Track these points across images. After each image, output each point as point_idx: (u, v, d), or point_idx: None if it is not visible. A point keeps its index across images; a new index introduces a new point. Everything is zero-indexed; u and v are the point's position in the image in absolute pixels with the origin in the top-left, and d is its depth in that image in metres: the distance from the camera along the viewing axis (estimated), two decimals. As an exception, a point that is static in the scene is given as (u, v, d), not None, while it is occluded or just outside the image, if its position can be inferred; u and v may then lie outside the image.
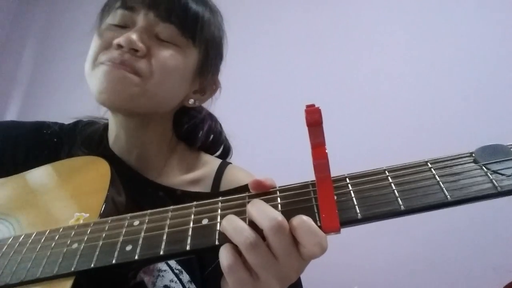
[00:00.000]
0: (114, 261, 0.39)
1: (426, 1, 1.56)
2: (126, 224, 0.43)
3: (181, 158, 0.69)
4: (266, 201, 0.40)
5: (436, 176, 0.39)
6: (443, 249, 1.23)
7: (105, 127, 0.68)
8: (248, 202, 0.40)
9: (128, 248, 0.40)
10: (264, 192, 0.42)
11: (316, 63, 1.66)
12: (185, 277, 0.53)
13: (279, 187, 0.42)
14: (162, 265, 0.53)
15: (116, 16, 0.59)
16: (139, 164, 0.64)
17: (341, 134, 1.37)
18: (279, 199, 0.41)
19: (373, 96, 1.51)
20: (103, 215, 0.47)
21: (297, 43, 1.74)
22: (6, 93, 2.29)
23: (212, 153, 0.73)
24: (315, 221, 0.38)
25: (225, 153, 0.74)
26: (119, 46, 0.56)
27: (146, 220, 0.43)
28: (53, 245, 0.43)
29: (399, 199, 0.38)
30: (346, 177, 0.41)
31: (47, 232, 0.45)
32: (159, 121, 0.65)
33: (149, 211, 0.44)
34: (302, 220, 0.36)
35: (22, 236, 0.45)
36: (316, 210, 0.39)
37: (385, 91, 1.50)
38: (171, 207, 0.43)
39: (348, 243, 1.21)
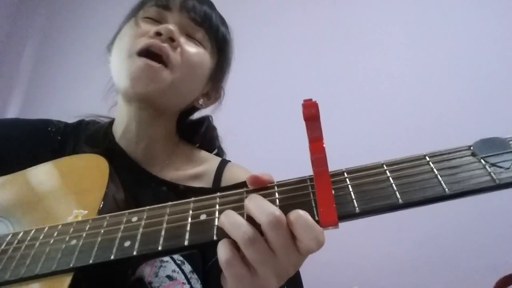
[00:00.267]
0: (112, 257, 0.39)
1: (425, 1, 1.57)
2: (125, 220, 0.43)
3: (182, 154, 0.70)
4: (264, 196, 0.40)
5: (434, 169, 0.38)
6: (443, 249, 1.23)
7: (109, 124, 0.70)
8: (246, 197, 0.40)
9: (127, 244, 0.40)
10: (262, 187, 0.42)
11: (315, 62, 1.66)
12: (187, 267, 0.54)
13: (277, 182, 0.42)
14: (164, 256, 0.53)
15: (151, 11, 0.65)
16: (144, 158, 0.66)
17: (340, 132, 1.37)
18: (277, 194, 0.41)
19: (372, 94, 1.51)
20: (101, 212, 0.47)
21: (296, 42, 1.74)
22: (6, 93, 2.29)
23: (209, 151, 0.74)
24: (313, 216, 0.38)
25: (220, 152, 0.77)
26: (158, 34, 0.60)
27: (145, 216, 0.43)
28: (51, 241, 0.43)
29: (397, 192, 0.38)
30: (344, 171, 0.41)
31: (45, 229, 0.45)
32: (168, 117, 0.68)
33: (147, 207, 0.44)
34: (299, 215, 0.36)
35: (21, 233, 0.45)
36: (314, 205, 0.39)
37: (384, 89, 1.50)
38: (169, 203, 0.43)
39: (348, 243, 1.21)
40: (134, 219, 0.43)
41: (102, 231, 0.42)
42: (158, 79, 0.59)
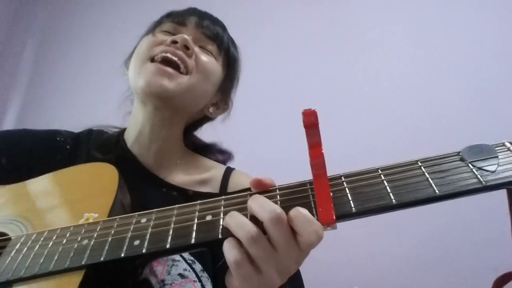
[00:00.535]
0: (122, 255, 0.42)
1: (426, 1, 1.60)
2: (134, 221, 0.45)
3: (190, 161, 0.74)
4: (266, 198, 0.42)
5: (426, 173, 0.41)
6: (443, 249, 1.23)
7: (121, 132, 0.74)
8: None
9: (136, 242, 0.42)
10: (264, 190, 0.44)
11: (315, 64, 1.69)
12: (198, 266, 0.56)
13: (278, 185, 0.45)
14: (176, 256, 0.56)
15: (168, 26, 0.72)
16: (155, 161, 0.70)
17: (339, 133, 1.39)
18: (278, 196, 0.43)
19: (371, 95, 1.53)
20: (111, 215, 0.50)
21: (296, 43, 1.77)
22: (6, 93, 2.28)
23: (216, 159, 0.78)
24: (312, 215, 0.40)
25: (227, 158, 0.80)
26: (174, 42, 0.66)
27: (153, 218, 0.45)
28: (64, 241, 0.45)
29: (391, 194, 0.40)
30: (341, 175, 0.44)
31: (58, 230, 0.47)
32: (179, 122, 0.72)
33: (155, 209, 0.46)
34: (299, 211, 0.39)
35: (35, 234, 0.48)
36: (313, 206, 0.41)
37: (383, 90, 1.52)
38: (177, 205, 0.46)
39: (348, 244, 1.22)
40: (143, 220, 0.45)
41: (113, 231, 0.45)
42: (173, 80, 0.64)
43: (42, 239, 0.47)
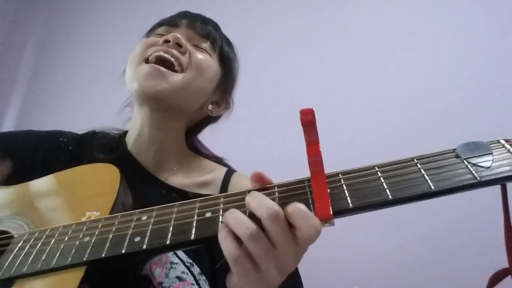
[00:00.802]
0: (123, 251, 0.42)
1: (425, 4, 1.61)
2: (135, 218, 0.46)
3: (191, 162, 0.74)
4: (265, 195, 0.43)
5: (421, 169, 0.42)
6: (443, 249, 1.23)
7: (122, 134, 0.75)
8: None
9: (137, 239, 0.43)
10: (263, 187, 0.45)
11: (313, 64, 1.70)
12: (196, 269, 0.56)
13: (276, 183, 0.46)
14: (174, 258, 0.56)
15: (160, 30, 0.73)
16: (155, 163, 0.70)
17: (338, 133, 1.39)
18: (277, 193, 0.44)
19: (365, 98, 1.54)
20: (112, 214, 0.50)
21: (296, 44, 1.78)
22: (6, 93, 2.28)
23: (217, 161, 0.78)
24: (310, 211, 0.41)
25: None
26: (166, 42, 0.66)
27: (154, 215, 0.46)
28: (66, 238, 0.46)
29: (387, 190, 0.41)
30: (338, 173, 0.45)
31: (60, 228, 0.48)
32: (178, 123, 0.72)
33: (156, 207, 0.47)
34: (296, 206, 0.39)
35: (37, 232, 0.48)
36: (311, 202, 0.42)
37: (377, 93, 1.53)
38: (177, 203, 0.47)
39: (348, 243, 1.21)
40: (144, 217, 0.46)
41: (114, 228, 0.45)
42: (166, 79, 0.64)
43: (44, 236, 0.47)
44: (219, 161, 0.79)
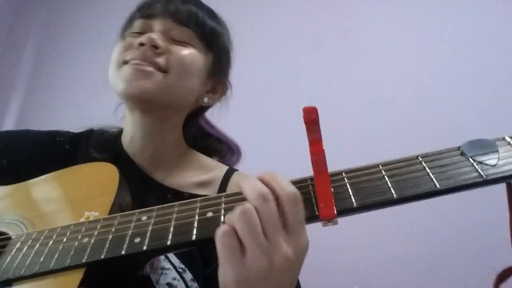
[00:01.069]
0: (123, 252, 0.41)
1: (426, 3, 1.60)
2: (135, 219, 0.45)
3: (190, 162, 0.72)
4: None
5: (426, 168, 0.41)
6: (443, 249, 1.23)
7: (119, 133, 0.72)
8: None
9: (137, 240, 0.42)
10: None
11: (316, 62, 1.69)
12: (188, 275, 0.54)
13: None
14: (166, 264, 0.54)
15: (137, 25, 0.67)
16: (151, 164, 0.68)
17: (339, 133, 1.38)
18: (279, 192, 0.43)
19: (371, 96, 1.53)
20: (112, 214, 0.49)
21: (298, 42, 1.77)
22: (6, 93, 2.27)
23: (223, 157, 0.77)
24: (313, 211, 0.41)
25: (237, 158, 0.79)
26: (141, 45, 0.62)
27: (154, 215, 0.45)
28: (64, 239, 0.45)
29: (392, 189, 0.40)
30: (342, 171, 0.44)
31: (59, 229, 0.47)
32: (173, 121, 0.70)
33: (156, 207, 0.46)
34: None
35: (35, 233, 0.48)
36: (314, 201, 0.41)
37: (381, 91, 1.52)
38: (177, 202, 0.46)
39: (348, 244, 1.21)
40: (144, 218, 0.45)
41: (113, 229, 0.45)
42: (150, 78, 0.61)
43: (42, 237, 0.47)
44: (222, 150, 0.77)
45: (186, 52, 0.65)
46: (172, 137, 0.70)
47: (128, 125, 0.70)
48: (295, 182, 0.44)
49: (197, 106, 0.73)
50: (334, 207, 0.39)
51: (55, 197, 0.57)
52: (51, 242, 0.45)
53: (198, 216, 0.43)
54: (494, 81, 1.38)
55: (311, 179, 0.44)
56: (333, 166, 0.44)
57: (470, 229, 1.21)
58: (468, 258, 1.19)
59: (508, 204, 0.42)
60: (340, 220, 0.41)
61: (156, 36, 0.63)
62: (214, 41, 0.69)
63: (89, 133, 0.73)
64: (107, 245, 0.43)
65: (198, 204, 0.45)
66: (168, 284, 0.53)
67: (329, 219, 0.39)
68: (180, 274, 0.54)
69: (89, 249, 0.43)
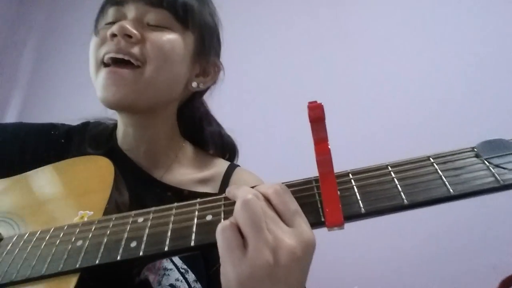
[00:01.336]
0: (119, 258, 0.39)
1: (428, 2, 1.58)
2: (131, 221, 0.43)
3: (190, 158, 0.69)
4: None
5: (439, 170, 0.39)
6: (443, 249, 1.23)
7: (114, 126, 0.69)
8: None
9: (133, 244, 0.40)
10: (268, 188, 0.42)
11: (321, 61, 1.67)
12: (191, 276, 0.53)
13: (282, 183, 0.42)
14: (168, 264, 0.52)
15: (108, 15, 0.61)
16: (147, 161, 0.65)
17: (345, 132, 1.37)
18: (282, 194, 0.41)
19: (377, 95, 1.52)
20: (107, 213, 0.47)
21: (301, 43, 1.75)
22: (6, 93, 2.27)
23: (221, 156, 0.73)
24: (319, 216, 0.38)
25: (232, 156, 0.75)
26: (113, 36, 0.57)
27: (151, 217, 0.43)
28: (57, 242, 0.43)
29: (402, 193, 0.38)
30: (349, 172, 0.42)
31: (51, 230, 0.45)
32: (164, 116, 0.66)
33: (153, 208, 0.44)
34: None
35: (27, 234, 0.46)
36: (319, 206, 0.39)
37: (389, 90, 1.51)
38: (175, 204, 0.44)
39: (348, 243, 1.21)
40: (140, 220, 0.43)
41: (108, 231, 0.43)
42: (125, 81, 0.56)
43: (34, 239, 0.45)
44: (224, 143, 0.74)
45: (164, 37, 0.59)
46: (165, 130, 0.66)
47: (120, 123, 0.67)
48: (299, 184, 0.42)
49: (189, 92, 0.68)
50: (342, 213, 0.37)
51: (48, 194, 0.54)
52: (43, 244, 0.43)
53: (197, 220, 0.41)
54: (507, 77, 1.35)
55: (316, 180, 0.42)
56: (339, 165, 0.42)
57: (471, 229, 1.21)
58: (468, 257, 1.19)
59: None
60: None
61: (128, 24, 0.57)
62: (193, 20, 0.63)
63: (84, 126, 0.70)
64: (101, 249, 0.41)
65: (197, 207, 0.42)
66: (171, 285, 0.51)
67: (336, 226, 0.37)
68: (183, 275, 0.52)
69: (83, 253, 0.41)
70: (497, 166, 0.38)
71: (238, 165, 0.70)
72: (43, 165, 0.59)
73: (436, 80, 1.46)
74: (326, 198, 0.38)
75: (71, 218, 0.48)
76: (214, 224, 0.40)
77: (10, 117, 2.21)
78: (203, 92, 0.72)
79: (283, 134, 1.55)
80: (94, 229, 0.43)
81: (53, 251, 0.42)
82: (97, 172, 0.55)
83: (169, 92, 0.62)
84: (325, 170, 0.40)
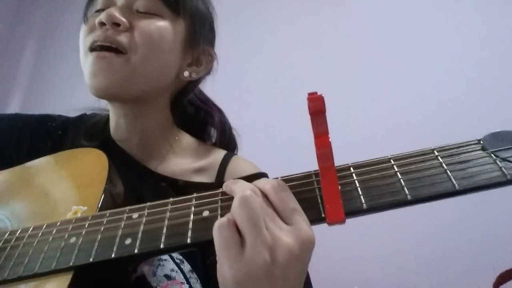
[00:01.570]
0: (113, 255, 0.38)
1: (428, 2, 1.56)
2: (125, 217, 0.42)
3: (185, 148, 0.67)
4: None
5: (443, 164, 0.37)
6: (443, 249, 1.24)
7: (108, 117, 0.67)
8: None
9: (128, 241, 0.39)
10: (266, 182, 0.41)
11: (321, 61, 1.67)
12: (186, 266, 0.52)
13: (282, 177, 0.41)
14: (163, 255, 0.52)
15: (97, 1, 0.60)
16: (141, 152, 0.64)
17: (345, 126, 1.37)
18: (281, 189, 0.40)
19: (377, 93, 1.52)
20: (101, 208, 0.46)
21: (302, 42, 1.75)
22: (6, 93, 2.28)
23: (222, 145, 0.72)
24: (319, 212, 0.37)
25: (233, 147, 0.73)
26: (101, 24, 0.56)
27: (146, 213, 0.42)
28: (50, 239, 0.42)
29: (405, 188, 0.37)
30: (350, 166, 0.40)
31: (44, 226, 0.44)
32: (156, 105, 0.64)
33: (148, 203, 0.43)
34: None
35: (19, 231, 0.44)
36: (319, 201, 0.38)
37: (390, 85, 1.51)
38: (171, 199, 0.42)
39: (348, 243, 1.21)
40: (135, 216, 0.42)
41: (102, 228, 0.41)
42: (112, 67, 0.54)
43: (26, 236, 0.43)
44: (226, 132, 0.72)
45: (153, 25, 0.57)
46: (158, 121, 0.65)
47: (111, 113, 0.65)
48: (298, 178, 0.41)
49: (182, 82, 0.66)
50: (343, 210, 0.36)
51: (41, 186, 0.53)
52: (36, 241, 0.42)
53: (193, 216, 0.40)
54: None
55: (316, 174, 0.40)
56: (340, 158, 0.41)
57: (470, 229, 1.20)
58: (468, 257, 1.19)
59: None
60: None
61: (116, 12, 0.55)
62: (184, 6, 0.61)
63: (80, 117, 0.68)
64: (95, 247, 0.40)
65: (194, 202, 0.41)
66: (166, 275, 0.50)
67: (337, 223, 0.36)
68: (178, 265, 0.51)
69: (76, 251, 0.40)
70: (504, 159, 0.36)
71: (235, 154, 0.69)
72: (39, 157, 0.57)
73: (436, 78, 1.45)
74: (327, 194, 0.37)
75: (64, 213, 0.47)
76: (210, 220, 0.39)
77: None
78: (197, 81, 0.70)
79: (284, 132, 1.55)
80: (87, 226, 0.42)
81: (46, 248, 0.41)
82: (91, 165, 0.54)
83: (159, 81, 0.60)
84: (326, 164, 0.39)
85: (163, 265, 0.51)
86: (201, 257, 0.53)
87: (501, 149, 0.37)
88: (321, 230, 0.40)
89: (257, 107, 1.64)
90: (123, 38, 0.55)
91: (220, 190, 0.42)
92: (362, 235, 1.19)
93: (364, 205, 0.36)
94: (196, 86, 0.71)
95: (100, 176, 0.50)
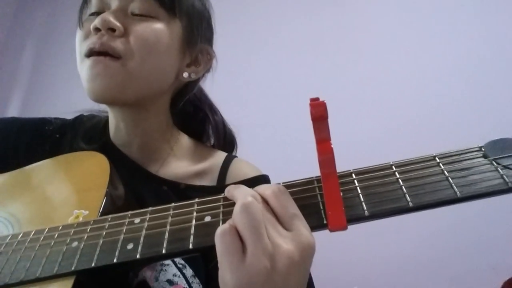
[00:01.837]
0: (115, 260, 0.38)
1: (428, 2, 1.57)
2: (127, 222, 0.42)
3: (186, 150, 0.67)
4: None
5: (445, 171, 0.38)
6: (443, 249, 1.24)
7: (107, 119, 0.67)
8: None
9: (130, 246, 0.39)
10: (268, 187, 0.41)
11: (322, 61, 1.67)
12: (189, 271, 0.52)
13: (283, 183, 0.41)
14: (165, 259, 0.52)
15: (91, 4, 0.59)
16: (141, 156, 0.63)
17: (347, 132, 1.37)
18: (283, 195, 0.40)
19: (378, 94, 1.52)
20: (103, 212, 0.46)
21: (302, 42, 1.75)
22: (6, 93, 2.28)
23: (221, 146, 0.71)
24: (321, 218, 0.37)
25: (231, 148, 0.73)
26: (97, 30, 0.55)
27: (147, 218, 0.42)
28: (52, 243, 0.42)
29: (407, 195, 0.37)
30: (352, 172, 0.40)
31: (46, 230, 0.44)
32: (156, 108, 0.63)
33: (150, 208, 0.43)
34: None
35: (21, 235, 0.44)
36: (321, 207, 0.38)
37: (390, 89, 1.51)
38: (173, 204, 0.42)
39: (348, 244, 1.21)
40: (137, 220, 0.42)
41: (104, 232, 0.41)
42: (110, 72, 0.54)
43: (28, 240, 0.43)
44: (226, 133, 0.72)
45: (148, 28, 0.56)
46: (158, 123, 0.64)
47: (111, 117, 0.64)
48: (300, 184, 0.41)
49: (181, 83, 0.66)
50: (345, 217, 0.36)
51: (43, 190, 0.53)
52: (37, 245, 0.42)
53: (195, 221, 0.40)
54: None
55: (318, 180, 0.40)
56: (342, 164, 0.41)
57: (471, 229, 1.21)
58: (468, 257, 1.19)
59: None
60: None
61: (110, 17, 0.54)
62: (180, 6, 0.60)
63: (77, 119, 0.68)
64: (97, 251, 0.40)
65: (195, 207, 0.41)
66: (169, 281, 0.50)
67: (339, 229, 0.36)
68: (180, 270, 0.51)
69: (78, 255, 0.40)
70: (505, 167, 0.37)
71: (236, 156, 0.69)
72: (37, 160, 0.57)
73: (436, 79, 1.45)
74: (329, 200, 0.37)
75: (66, 217, 0.47)
76: (212, 226, 0.39)
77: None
78: (196, 82, 0.69)
79: (285, 133, 1.55)
80: (89, 230, 0.42)
81: (48, 252, 0.41)
82: (92, 168, 0.54)
83: (157, 84, 0.60)
84: (328, 170, 0.39)
85: (165, 270, 0.51)
86: (203, 262, 0.54)
87: (503, 157, 0.37)
88: (321, 231, 0.40)
89: (257, 107, 1.64)
90: (118, 45, 0.54)
91: (222, 195, 0.42)
92: (362, 235, 1.19)
93: (366, 212, 0.37)
94: (195, 86, 0.70)
95: (101, 180, 0.50)
